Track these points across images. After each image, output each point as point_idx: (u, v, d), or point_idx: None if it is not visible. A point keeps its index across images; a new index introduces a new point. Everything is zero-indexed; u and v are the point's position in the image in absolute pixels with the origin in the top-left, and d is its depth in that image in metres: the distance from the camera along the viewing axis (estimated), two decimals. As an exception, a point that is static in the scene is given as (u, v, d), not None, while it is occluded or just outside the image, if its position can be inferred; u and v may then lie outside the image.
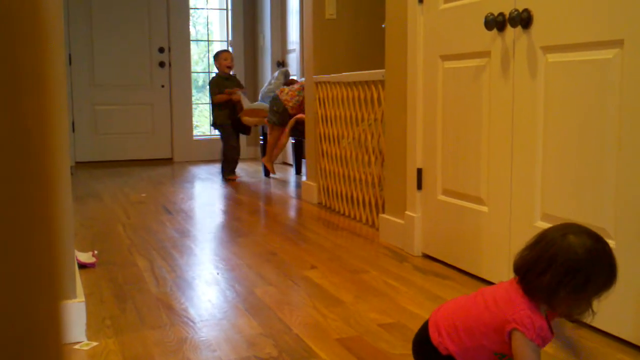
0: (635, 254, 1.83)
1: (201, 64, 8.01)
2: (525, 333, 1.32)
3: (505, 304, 1.37)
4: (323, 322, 2.09)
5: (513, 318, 1.34)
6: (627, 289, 1.85)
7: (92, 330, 2.01)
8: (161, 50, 6.94)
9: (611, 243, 1.89)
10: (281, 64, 6.68)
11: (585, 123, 1.99)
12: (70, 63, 6.53)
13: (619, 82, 1.86)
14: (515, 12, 2.20)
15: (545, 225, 2.13)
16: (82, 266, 2.69)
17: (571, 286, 1.31)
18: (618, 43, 1.86)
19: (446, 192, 2.74)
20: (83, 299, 1.99)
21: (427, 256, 2.89)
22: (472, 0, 2.50)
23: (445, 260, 2.75)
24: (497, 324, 1.37)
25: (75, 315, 1.93)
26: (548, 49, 2.13)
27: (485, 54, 2.43)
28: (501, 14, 2.29)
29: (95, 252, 2.88)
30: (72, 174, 5.27)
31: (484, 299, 1.43)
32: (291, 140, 5.59)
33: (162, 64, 6.96)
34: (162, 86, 7.00)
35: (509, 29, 2.28)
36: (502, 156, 2.36)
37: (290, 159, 6.07)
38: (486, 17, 2.33)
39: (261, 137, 5.78)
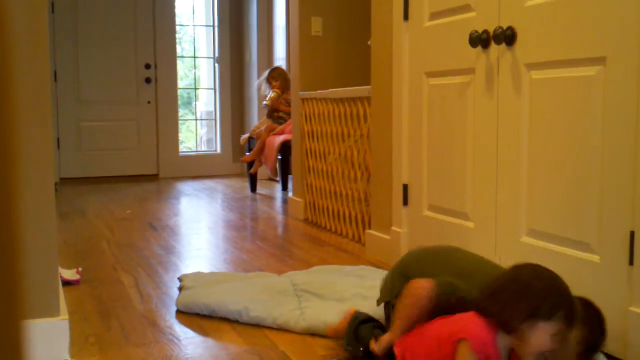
0: (618, 270, 1.84)
1: (186, 80, 8.02)
2: (470, 342, 1.38)
3: (463, 317, 1.46)
4: (309, 339, 2.08)
5: (464, 327, 1.42)
6: (610, 304, 1.86)
7: (76, 348, 1.99)
8: (147, 66, 6.94)
9: (595, 258, 1.91)
10: (259, 88, 6.69)
11: (569, 139, 2.01)
12: (55, 79, 6.51)
13: (602, 99, 1.88)
14: (500, 30, 2.23)
15: (531, 240, 2.15)
16: (66, 283, 2.67)
17: (521, 308, 1.38)
18: (600, 60, 1.88)
19: (432, 207, 2.75)
20: (67, 317, 1.97)
21: (413, 272, 2.88)
22: (456, 18, 2.52)
23: (432, 276, 2.75)
24: (449, 331, 1.44)
25: (59, 333, 1.91)
26: (532, 66, 2.15)
27: (470, 70, 2.45)
28: (485, 31, 2.32)
29: (80, 269, 2.86)
30: (56, 190, 5.23)
31: (446, 317, 1.51)
32: (278, 157, 5.60)
33: (148, 80, 6.96)
34: (148, 102, 7.00)
35: (493, 46, 2.30)
36: (487, 172, 2.38)
37: (277, 174, 6.07)
38: (470, 35, 2.35)
39: (247, 153, 5.78)
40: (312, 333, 2.12)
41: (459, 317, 1.47)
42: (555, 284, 1.43)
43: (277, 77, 5.65)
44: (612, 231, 1.87)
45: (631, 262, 1.80)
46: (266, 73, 5.81)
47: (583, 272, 1.96)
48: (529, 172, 2.18)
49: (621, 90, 1.82)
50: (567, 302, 1.41)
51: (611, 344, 1.88)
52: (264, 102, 5.78)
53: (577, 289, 1.96)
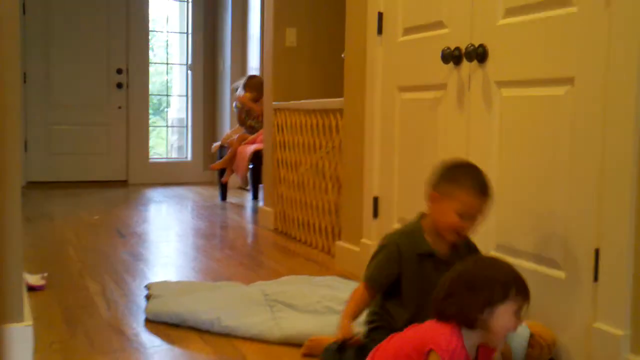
0: (583, 286, 1.88)
1: (158, 86, 7.97)
2: (439, 352, 1.41)
3: (429, 328, 1.49)
4: (277, 350, 2.08)
5: (431, 339, 1.44)
6: (575, 320, 1.90)
7: (40, 355, 1.96)
8: (119, 71, 6.89)
9: (561, 274, 1.95)
10: (235, 90, 6.68)
11: (537, 156, 2.05)
12: (25, 81, 6.41)
13: (570, 118, 1.92)
14: (471, 47, 2.26)
15: (500, 255, 2.17)
16: (31, 289, 2.62)
17: (475, 301, 1.42)
18: (569, 80, 1.92)
19: (402, 220, 2.77)
20: (31, 323, 1.94)
21: (381, 284, 2.89)
22: (429, 34, 2.55)
23: (400, 289, 2.76)
24: (418, 344, 1.46)
25: (22, 339, 1.88)
26: (502, 84, 2.19)
27: (442, 86, 2.48)
28: (457, 48, 2.35)
29: (45, 274, 2.81)
30: (23, 194, 5.15)
31: (412, 328, 1.55)
32: (249, 166, 5.59)
33: (119, 85, 6.90)
34: (119, 107, 6.94)
35: (465, 63, 2.33)
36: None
37: (248, 184, 6.07)
38: (443, 51, 2.38)
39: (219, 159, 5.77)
40: (287, 343, 2.11)
41: (425, 327, 1.49)
42: (496, 266, 1.47)
43: (252, 87, 5.60)
44: (577, 248, 1.90)
45: (596, 279, 1.83)
46: (244, 79, 5.80)
47: (549, 288, 1.99)
48: (498, 187, 2.20)
49: (588, 110, 1.86)
50: (513, 275, 1.46)
51: (579, 358, 1.91)
52: (235, 103, 5.77)
53: (544, 304, 2.00)
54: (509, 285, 1.42)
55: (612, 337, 1.77)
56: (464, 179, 1.76)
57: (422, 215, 1.88)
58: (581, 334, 1.88)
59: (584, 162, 1.88)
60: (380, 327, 1.83)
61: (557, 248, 1.98)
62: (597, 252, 1.83)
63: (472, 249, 1.90)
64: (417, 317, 1.72)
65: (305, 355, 1.99)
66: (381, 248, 1.87)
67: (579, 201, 1.90)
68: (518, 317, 1.44)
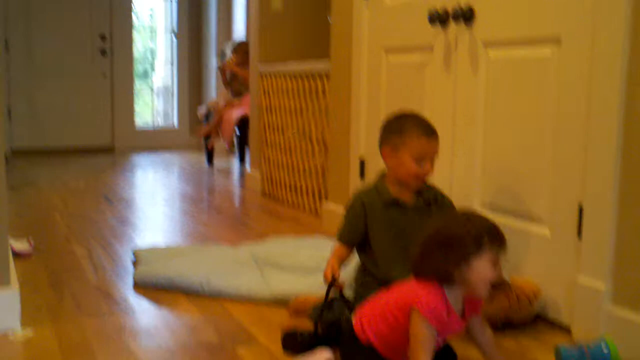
0: (567, 242, 1.90)
1: (143, 52, 7.88)
2: (420, 310, 1.42)
3: (411, 287, 1.49)
4: (266, 310, 2.09)
5: (413, 297, 1.45)
6: (558, 276, 1.92)
7: (27, 319, 1.96)
8: (103, 37, 6.80)
9: (545, 231, 1.97)
10: (224, 54, 6.63)
11: (524, 117, 2.05)
12: (7, 48, 6.30)
13: (556, 79, 1.92)
14: (459, 8, 2.24)
15: (486, 212, 2.19)
16: (17, 254, 2.62)
17: (450, 258, 1.42)
18: (555, 40, 1.92)
19: (388, 182, 2.77)
20: (17, 286, 1.94)
21: (368, 246, 2.91)
22: (416, -7, 2.53)
23: (387, 250, 2.78)
24: (401, 302, 1.47)
25: (9, 302, 1.88)
26: (489, 44, 2.17)
27: (429, 48, 2.46)
28: (444, 9, 2.33)
29: (31, 239, 2.80)
30: (7, 161, 5.11)
31: (397, 286, 1.55)
32: (235, 130, 5.57)
33: (103, 52, 6.82)
34: (104, 73, 6.86)
35: (452, 25, 2.32)
36: (443, 146, 2.39)
37: (234, 148, 6.05)
38: (430, 12, 2.36)
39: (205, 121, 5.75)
40: (276, 303, 2.12)
41: (408, 286, 1.50)
42: (467, 221, 1.45)
43: (240, 52, 5.57)
44: (562, 206, 1.92)
45: (579, 235, 1.85)
46: (233, 44, 5.76)
47: (534, 245, 2.02)
48: (484, 148, 2.22)
49: (575, 70, 1.86)
50: (484, 226, 1.43)
51: (558, 315, 1.94)
52: (218, 64, 5.78)
53: (528, 261, 2.02)
54: (481, 235, 1.41)
55: (595, 292, 1.80)
56: (409, 127, 1.84)
57: (383, 173, 1.94)
58: (565, 289, 1.91)
59: (570, 122, 1.88)
60: (366, 283, 1.88)
61: (541, 206, 2.00)
62: (580, 209, 1.85)
63: (438, 198, 1.93)
64: (392, 267, 1.79)
65: (292, 314, 2.01)
66: (347, 207, 1.97)
67: (563, 160, 1.91)
68: (496, 265, 1.43)
